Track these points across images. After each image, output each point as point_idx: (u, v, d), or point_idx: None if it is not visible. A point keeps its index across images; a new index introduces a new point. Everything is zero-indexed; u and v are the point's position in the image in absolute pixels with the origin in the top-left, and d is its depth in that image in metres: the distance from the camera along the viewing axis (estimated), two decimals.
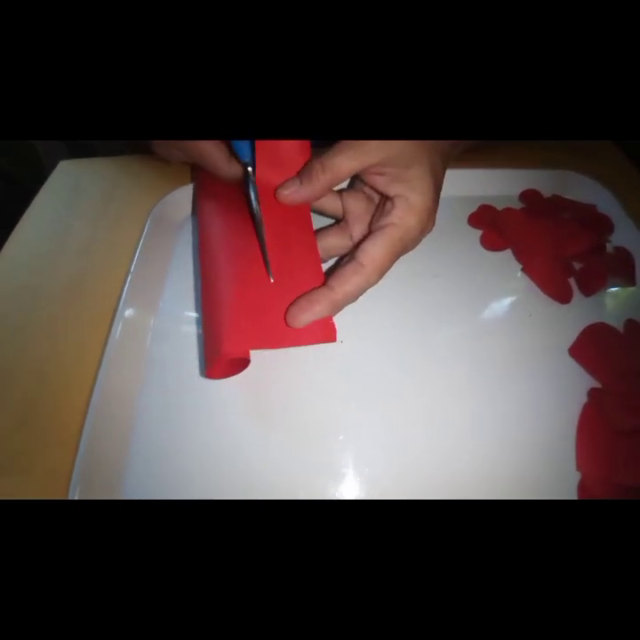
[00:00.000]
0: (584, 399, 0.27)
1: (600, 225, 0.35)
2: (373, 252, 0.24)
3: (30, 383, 0.27)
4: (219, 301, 0.24)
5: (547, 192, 0.37)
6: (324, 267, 0.30)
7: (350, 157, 0.24)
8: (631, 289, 0.32)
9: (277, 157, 0.26)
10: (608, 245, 0.34)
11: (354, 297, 0.24)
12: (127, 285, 0.29)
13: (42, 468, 0.24)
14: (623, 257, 0.33)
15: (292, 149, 0.26)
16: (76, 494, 0.22)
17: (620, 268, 0.33)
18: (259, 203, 0.25)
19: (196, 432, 0.25)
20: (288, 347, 0.23)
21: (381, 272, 0.24)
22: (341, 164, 0.24)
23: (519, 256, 0.34)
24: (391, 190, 0.25)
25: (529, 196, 0.37)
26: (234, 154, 0.26)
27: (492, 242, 0.34)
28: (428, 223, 0.25)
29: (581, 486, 0.24)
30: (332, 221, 0.30)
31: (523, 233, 0.34)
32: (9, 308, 0.31)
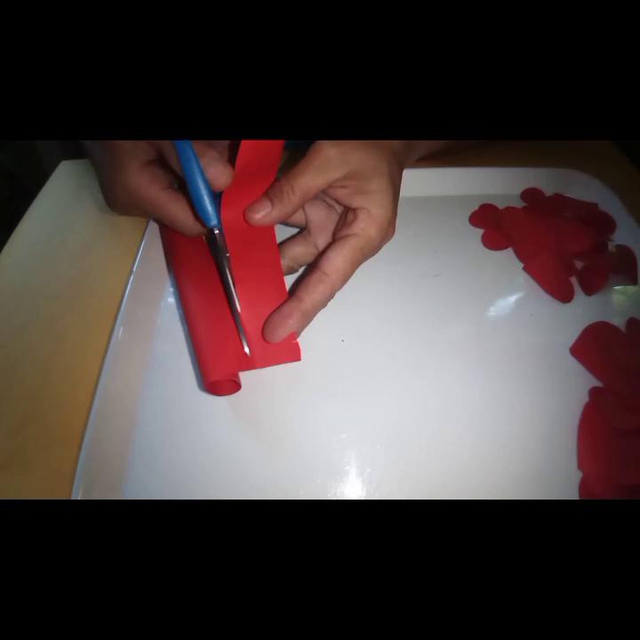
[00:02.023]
0: (585, 398, 0.27)
1: (602, 223, 0.35)
2: (336, 261, 0.25)
3: (32, 383, 0.27)
4: (196, 335, 0.26)
5: (548, 191, 0.37)
6: (294, 276, 0.31)
7: (317, 175, 0.25)
8: (633, 288, 0.32)
9: (242, 176, 0.25)
10: (610, 244, 0.34)
11: (322, 305, 0.25)
12: (130, 285, 0.29)
13: (44, 468, 0.24)
14: (625, 255, 0.33)
15: (257, 165, 0.26)
16: (78, 494, 0.22)
17: (622, 266, 0.33)
18: (227, 261, 0.26)
19: (197, 432, 0.25)
20: (260, 367, 0.25)
21: (344, 279, 0.25)
22: (310, 182, 0.25)
23: (521, 255, 0.33)
24: (353, 202, 0.26)
25: (530, 195, 0.37)
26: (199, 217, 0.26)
27: (493, 241, 0.34)
28: (387, 232, 0.26)
29: (583, 485, 0.24)
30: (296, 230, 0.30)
31: (524, 232, 0.34)
32: (10, 308, 0.31)
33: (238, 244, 0.26)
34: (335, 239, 0.26)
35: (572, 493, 0.24)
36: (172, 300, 0.31)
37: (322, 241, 0.29)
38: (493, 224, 0.35)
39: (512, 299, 0.32)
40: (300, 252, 0.29)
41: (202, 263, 0.28)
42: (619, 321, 0.30)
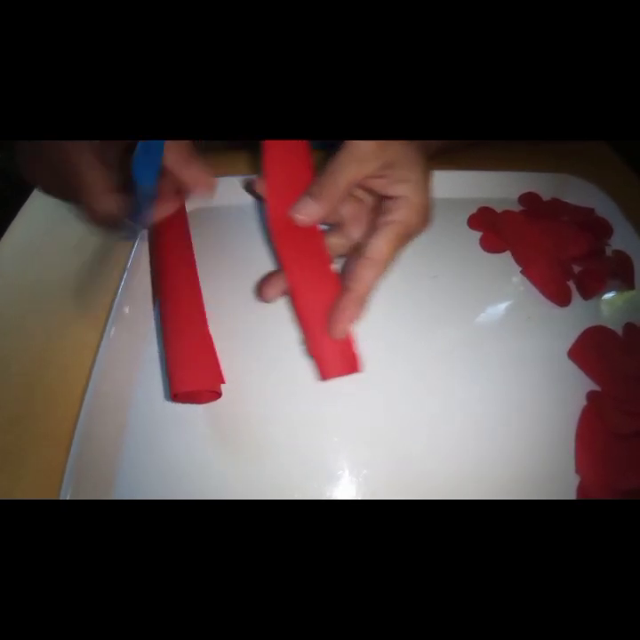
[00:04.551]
0: (583, 402, 0.27)
1: (599, 228, 0.35)
2: (381, 246, 0.25)
3: (24, 381, 0.27)
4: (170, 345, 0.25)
5: (546, 195, 0.37)
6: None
7: (356, 168, 0.25)
8: (630, 292, 0.32)
9: (278, 180, 0.26)
10: (607, 249, 0.34)
11: (371, 290, 0.25)
12: (123, 283, 0.29)
13: (34, 467, 0.24)
14: (622, 260, 0.33)
15: (289, 168, 0.27)
16: (67, 494, 0.22)
17: (619, 271, 0.33)
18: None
19: (189, 432, 0.25)
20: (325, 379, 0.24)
21: (386, 265, 0.26)
22: (350, 175, 0.25)
23: (518, 258, 0.33)
24: (392, 191, 0.26)
25: (528, 199, 0.37)
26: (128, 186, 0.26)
27: (491, 244, 0.34)
28: (426, 218, 0.26)
29: (580, 489, 0.24)
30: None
31: (522, 235, 0.34)
32: (4, 305, 0.30)
33: (289, 247, 0.26)
34: (377, 226, 0.26)
35: (569, 497, 0.24)
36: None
37: (355, 232, 0.29)
38: (491, 227, 0.35)
39: (510, 302, 0.32)
40: (335, 242, 0.29)
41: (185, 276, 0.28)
42: (616, 325, 0.30)
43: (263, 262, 0.32)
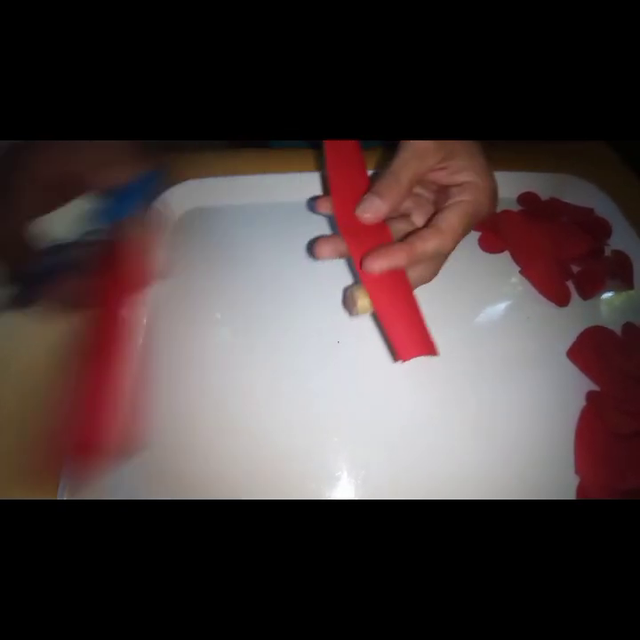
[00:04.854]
0: (582, 402, 0.27)
1: (598, 228, 0.35)
2: (452, 218, 0.25)
3: (22, 381, 0.27)
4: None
5: (544, 195, 0.37)
6: None
7: (418, 163, 0.26)
8: (629, 292, 0.32)
9: (339, 178, 0.27)
10: (606, 249, 0.34)
11: (428, 256, 0.25)
12: None
13: (31, 467, 0.24)
14: (621, 260, 0.33)
15: (346, 166, 0.28)
16: (64, 494, 0.22)
17: (618, 271, 0.33)
18: None
19: (188, 432, 0.25)
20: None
21: (455, 239, 0.25)
22: (413, 170, 0.26)
23: (517, 258, 0.33)
24: (457, 179, 0.26)
25: (527, 199, 0.37)
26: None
27: (490, 244, 0.34)
28: (493, 201, 0.27)
29: (580, 489, 0.24)
30: None
31: (521, 235, 0.34)
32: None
33: (356, 241, 0.26)
34: (446, 206, 0.26)
35: (569, 497, 0.24)
36: (162, 298, 0.30)
37: (419, 220, 0.29)
38: (490, 227, 0.35)
39: (509, 302, 0.32)
40: (402, 227, 0.29)
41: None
42: (615, 325, 0.30)
43: (263, 262, 0.32)
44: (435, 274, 0.27)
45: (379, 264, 0.24)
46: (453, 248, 0.26)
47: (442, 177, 0.27)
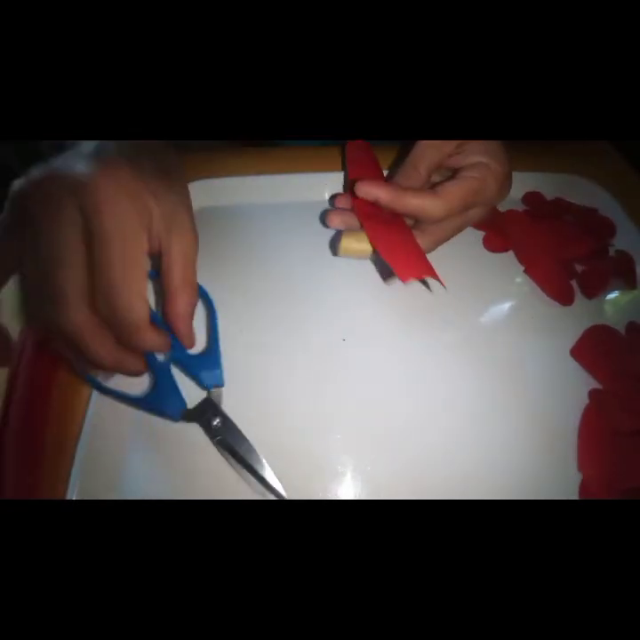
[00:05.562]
0: (585, 400, 0.27)
1: (602, 228, 0.35)
2: (451, 188, 0.25)
3: None
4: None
5: (549, 195, 0.37)
6: None
7: (435, 152, 0.26)
8: (633, 292, 0.32)
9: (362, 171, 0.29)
10: (610, 248, 0.34)
11: (415, 209, 0.25)
12: None
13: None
14: (625, 260, 0.33)
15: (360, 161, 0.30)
16: (74, 494, 0.22)
17: (622, 270, 0.33)
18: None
19: (193, 431, 0.25)
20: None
21: (448, 208, 0.25)
22: (427, 162, 0.26)
23: (521, 258, 0.34)
24: (472, 159, 0.27)
25: (531, 199, 0.37)
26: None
27: (494, 243, 0.34)
28: (504, 185, 0.27)
29: (583, 487, 0.24)
30: None
31: (525, 235, 0.34)
32: (5, 304, 0.30)
33: (375, 225, 0.27)
34: (453, 178, 0.26)
35: (572, 495, 0.24)
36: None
37: None
38: (495, 226, 0.35)
39: (513, 301, 0.32)
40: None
41: None
42: (618, 324, 0.30)
43: (264, 262, 0.32)
44: (430, 245, 0.28)
45: (365, 189, 0.25)
46: (443, 215, 0.26)
47: (457, 161, 0.27)
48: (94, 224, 0.18)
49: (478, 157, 0.26)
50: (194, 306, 0.22)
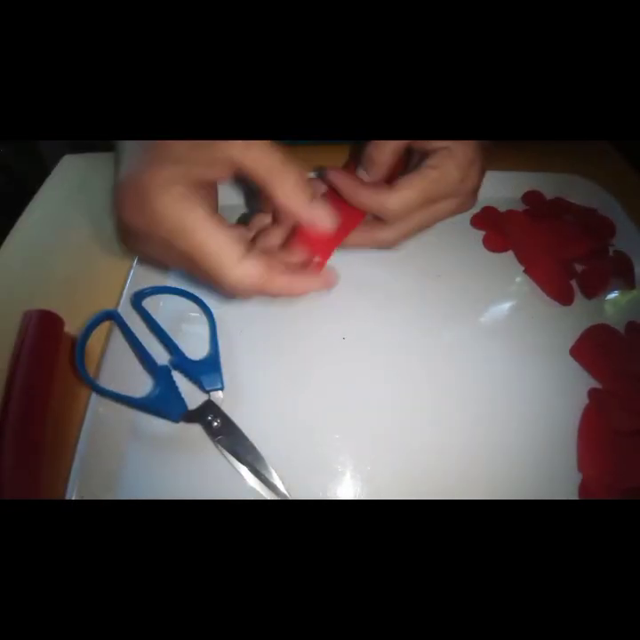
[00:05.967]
0: (585, 400, 0.27)
1: (602, 228, 0.35)
2: (406, 180, 0.24)
3: None
4: None
5: (549, 194, 0.37)
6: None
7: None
8: (632, 291, 0.32)
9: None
10: (610, 248, 0.34)
11: (370, 205, 0.25)
12: (129, 281, 0.29)
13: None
14: (624, 260, 0.33)
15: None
16: (73, 494, 0.22)
17: (622, 270, 0.33)
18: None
19: (193, 431, 0.25)
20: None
21: (405, 202, 0.25)
22: (393, 143, 0.25)
23: (521, 257, 0.34)
24: (435, 144, 0.25)
25: (531, 199, 0.37)
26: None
27: (494, 243, 0.34)
28: (468, 172, 0.25)
29: (582, 487, 0.24)
30: None
31: (525, 235, 0.34)
32: (9, 302, 0.30)
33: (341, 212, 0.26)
34: (413, 170, 0.26)
35: (571, 495, 0.24)
36: (170, 298, 0.31)
37: None
38: (495, 226, 0.35)
39: (512, 301, 0.32)
40: None
41: None
42: (618, 324, 0.30)
43: None
44: (395, 239, 0.27)
45: (330, 176, 0.25)
46: (400, 210, 0.25)
47: (423, 144, 0.26)
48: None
49: (442, 142, 0.25)
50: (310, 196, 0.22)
